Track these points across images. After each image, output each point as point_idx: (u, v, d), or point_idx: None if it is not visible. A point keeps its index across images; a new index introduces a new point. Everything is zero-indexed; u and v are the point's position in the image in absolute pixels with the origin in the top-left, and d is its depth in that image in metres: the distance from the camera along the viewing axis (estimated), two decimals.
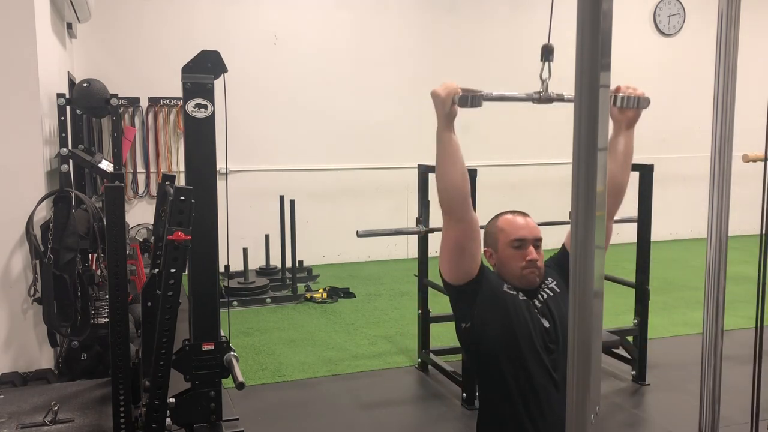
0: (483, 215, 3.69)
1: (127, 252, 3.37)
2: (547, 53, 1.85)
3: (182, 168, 5.31)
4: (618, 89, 1.89)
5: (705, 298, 1.09)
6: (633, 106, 1.90)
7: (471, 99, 1.79)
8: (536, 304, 2.01)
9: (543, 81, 1.86)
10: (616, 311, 4.76)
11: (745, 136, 2.81)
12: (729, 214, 1.14)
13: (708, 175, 1.15)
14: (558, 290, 2.04)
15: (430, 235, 4.06)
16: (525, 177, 7.37)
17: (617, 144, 1.99)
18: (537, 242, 2.03)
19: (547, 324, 1.97)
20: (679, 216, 8.31)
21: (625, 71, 8.59)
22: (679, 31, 8.57)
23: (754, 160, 4.14)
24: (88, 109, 4.07)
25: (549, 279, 2.07)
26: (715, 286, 1.09)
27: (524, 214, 2.10)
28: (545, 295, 2.03)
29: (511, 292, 2.00)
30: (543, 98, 1.89)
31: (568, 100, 1.88)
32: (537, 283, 2.03)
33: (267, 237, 6.26)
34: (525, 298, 2.00)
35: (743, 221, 5.79)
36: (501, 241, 2.05)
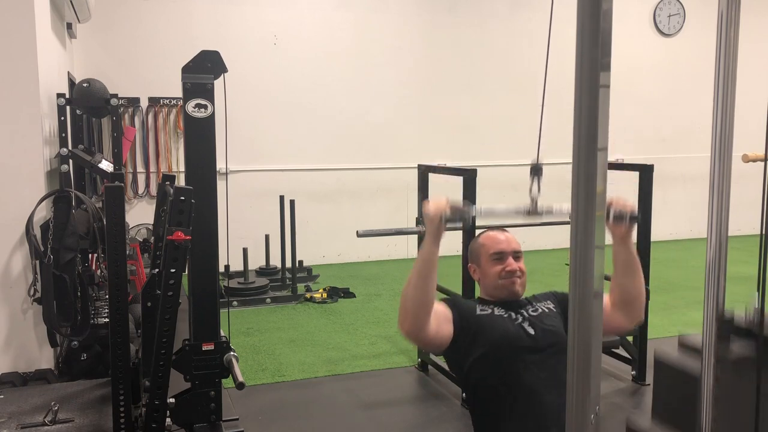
0: None
1: (127, 252, 3.37)
2: (536, 171, 1.92)
3: (182, 168, 5.30)
4: (610, 202, 1.90)
5: (705, 298, 1.09)
6: (624, 221, 1.91)
7: (460, 215, 1.85)
8: (523, 314, 2.10)
9: (532, 199, 1.93)
10: None
11: (745, 136, 2.80)
12: (729, 214, 1.14)
13: (708, 175, 1.14)
14: (555, 311, 2.12)
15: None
16: (525, 177, 7.36)
17: (617, 255, 2.00)
18: (516, 254, 2.16)
19: (532, 331, 2.05)
20: (679, 216, 8.31)
21: (625, 71, 8.61)
22: (679, 31, 8.57)
23: (754, 160, 4.14)
24: (88, 109, 4.07)
25: (548, 302, 2.18)
26: (715, 286, 1.09)
27: (503, 230, 2.24)
28: (539, 310, 2.12)
29: (486, 311, 2.09)
30: (532, 213, 1.95)
31: (558, 215, 1.97)
32: (519, 293, 2.15)
33: (267, 237, 6.26)
34: (502, 311, 2.09)
35: (743, 221, 5.79)
36: (482, 255, 2.19)
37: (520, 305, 2.14)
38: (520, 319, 2.08)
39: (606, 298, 1.99)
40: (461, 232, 3.62)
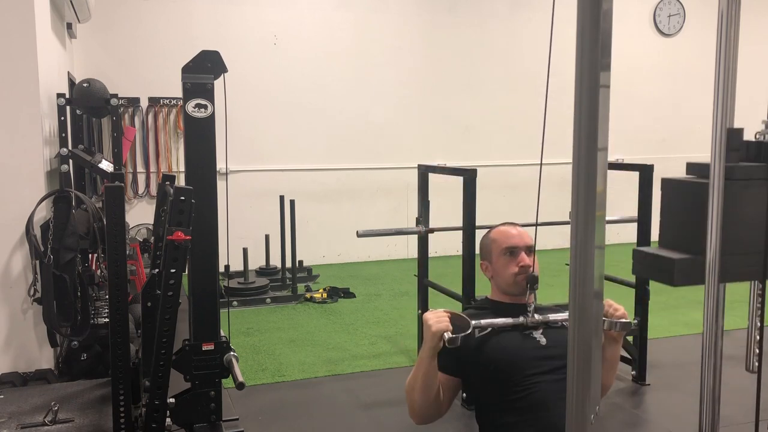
0: (483, 215, 3.72)
1: (127, 252, 3.37)
2: (532, 282, 1.96)
3: (182, 168, 5.29)
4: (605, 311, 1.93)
5: (705, 298, 1.09)
6: (616, 329, 1.94)
7: (461, 340, 1.85)
8: (535, 321, 2.04)
9: (528, 308, 1.96)
10: None
11: (745, 136, 2.79)
12: None
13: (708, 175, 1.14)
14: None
15: (430, 235, 4.06)
16: (525, 177, 7.37)
17: (604, 352, 2.01)
18: (529, 249, 2.10)
19: (544, 341, 2.02)
20: None
21: (625, 71, 8.59)
22: (679, 31, 8.57)
23: None
24: (88, 109, 4.07)
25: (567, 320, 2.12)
26: (715, 286, 1.09)
27: (515, 225, 2.19)
28: (557, 323, 2.07)
29: (485, 330, 2.04)
30: (530, 324, 1.99)
31: (554, 322, 2.00)
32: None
33: (267, 237, 6.26)
34: (509, 321, 2.04)
35: None
36: (494, 251, 2.14)
37: (533, 311, 2.08)
38: (532, 328, 2.04)
39: None
40: (461, 232, 3.62)
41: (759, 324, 1.11)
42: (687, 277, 0.99)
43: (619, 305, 1.95)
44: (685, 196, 1.03)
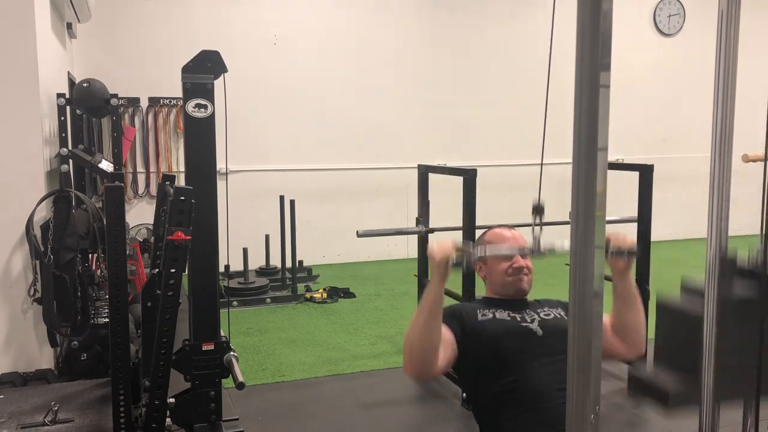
0: (483, 215, 3.72)
1: (127, 252, 3.37)
2: (537, 211, 1.88)
3: (182, 168, 5.29)
4: (608, 239, 1.90)
5: (705, 298, 1.09)
6: (623, 257, 1.91)
7: (465, 262, 1.86)
8: (531, 314, 2.07)
9: (534, 237, 1.90)
10: None
11: (745, 136, 2.79)
12: (729, 214, 1.14)
13: (708, 175, 1.14)
14: (567, 320, 2.10)
15: (430, 235, 4.06)
16: (525, 177, 7.36)
17: (616, 288, 1.99)
18: (523, 251, 2.11)
19: (540, 332, 2.03)
20: (679, 216, 8.31)
21: (625, 71, 8.59)
22: (679, 31, 8.57)
23: (754, 160, 4.13)
24: (88, 109, 4.07)
25: (559, 309, 2.15)
26: (715, 285, 1.09)
27: (510, 228, 2.23)
28: (551, 315, 2.10)
29: (487, 316, 2.07)
30: (535, 253, 1.94)
31: (561, 252, 1.93)
32: (526, 290, 2.13)
33: (267, 237, 6.26)
34: (505, 315, 2.06)
35: (743, 221, 5.78)
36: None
37: (527, 305, 2.12)
38: (528, 320, 2.05)
39: (606, 321, 1.98)
40: (461, 232, 3.62)
41: None
42: (682, 402, 1.04)
43: (624, 235, 1.92)
44: (679, 320, 1.08)
